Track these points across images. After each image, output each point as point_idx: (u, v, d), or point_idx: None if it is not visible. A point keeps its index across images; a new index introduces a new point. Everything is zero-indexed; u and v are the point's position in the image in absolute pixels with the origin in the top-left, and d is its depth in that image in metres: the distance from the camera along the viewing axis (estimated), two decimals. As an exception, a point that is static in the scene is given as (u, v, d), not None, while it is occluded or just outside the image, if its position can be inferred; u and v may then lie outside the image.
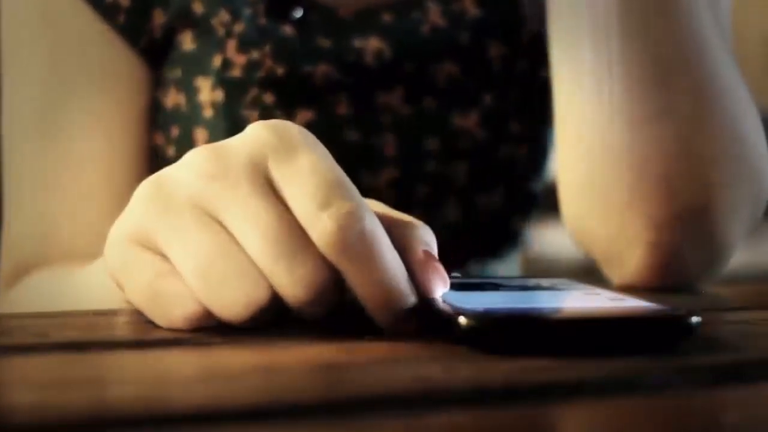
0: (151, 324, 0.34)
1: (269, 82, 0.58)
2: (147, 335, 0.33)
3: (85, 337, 0.33)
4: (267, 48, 0.58)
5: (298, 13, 0.58)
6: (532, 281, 0.41)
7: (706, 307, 0.45)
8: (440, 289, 0.33)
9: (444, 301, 0.32)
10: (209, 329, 0.33)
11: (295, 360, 0.29)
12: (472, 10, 0.61)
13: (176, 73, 0.60)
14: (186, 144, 0.60)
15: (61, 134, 0.59)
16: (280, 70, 0.58)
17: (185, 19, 0.59)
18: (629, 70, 0.51)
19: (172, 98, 0.60)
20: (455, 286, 0.35)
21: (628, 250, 0.52)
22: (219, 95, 0.58)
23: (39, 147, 0.60)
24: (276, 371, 0.27)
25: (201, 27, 0.59)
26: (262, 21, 0.58)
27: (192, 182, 0.33)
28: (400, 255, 0.32)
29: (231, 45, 0.58)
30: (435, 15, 0.61)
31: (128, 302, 0.35)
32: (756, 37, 2.05)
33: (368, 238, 0.31)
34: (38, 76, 0.60)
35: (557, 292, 0.37)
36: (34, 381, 0.26)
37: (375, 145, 0.60)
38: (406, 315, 0.32)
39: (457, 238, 0.63)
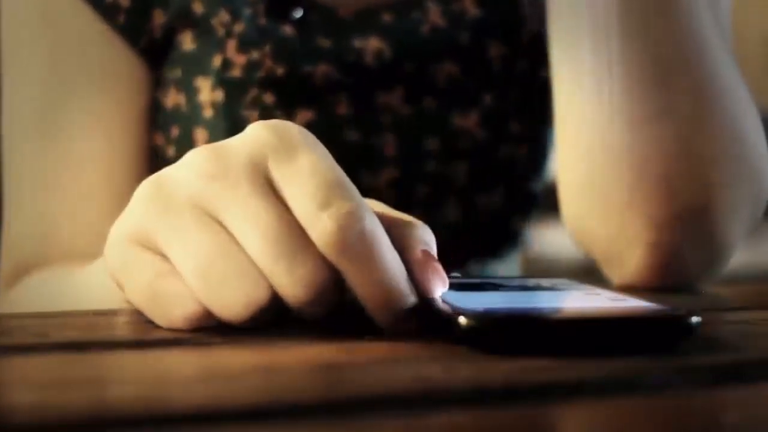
0: (151, 324, 0.34)
1: (269, 82, 0.58)
2: (147, 335, 0.33)
3: (85, 337, 0.33)
4: (267, 48, 0.58)
5: (298, 13, 0.58)
6: (532, 281, 0.41)
7: (706, 307, 0.45)
8: (439, 288, 0.33)
9: (444, 301, 0.32)
10: (209, 329, 0.33)
11: (295, 360, 0.29)
12: (472, 10, 0.61)
13: (176, 73, 0.60)
14: (186, 144, 0.60)
15: (61, 134, 0.59)
16: (280, 70, 0.58)
17: (185, 19, 0.59)
18: (629, 70, 0.51)
19: (172, 98, 0.60)
20: (455, 286, 0.35)
21: (628, 250, 0.52)
22: (219, 95, 0.58)
23: (39, 147, 0.60)
24: (276, 371, 0.27)
25: (201, 27, 0.59)
26: (262, 21, 0.58)
27: (192, 182, 0.33)
28: (400, 255, 0.32)
29: (231, 45, 0.58)
30: (435, 15, 0.61)
31: (128, 302, 0.35)
32: (756, 37, 2.05)
33: (368, 238, 0.31)
34: (38, 76, 0.60)
35: (557, 292, 0.37)
36: (34, 381, 0.26)
37: (375, 145, 0.60)
38: (406, 315, 0.32)
39: (457, 238, 0.63)
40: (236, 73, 0.58)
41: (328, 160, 0.33)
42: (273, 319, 0.33)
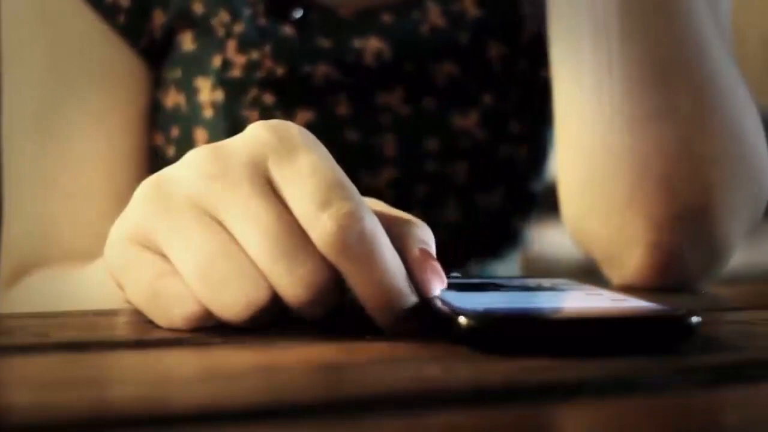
0: (151, 324, 0.34)
1: (269, 83, 0.58)
2: (147, 335, 0.33)
3: (85, 337, 0.33)
4: (267, 48, 0.58)
5: (298, 14, 0.58)
6: (533, 281, 0.41)
7: (706, 307, 0.45)
8: (438, 287, 0.33)
9: (444, 301, 0.32)
10: (209, 329, 0.33)
11: (295, 360, 0.29)
12: (472, 11, 0.61)
13: (176, 73, 0.60)
14: (186, 144, 0.60)
15: (61, 134, 0.59)
16: (280, 71, 0.58)
17: (185, 19, 0.59)
18: (629, 70, 0.51)
19: (172, 98, 0.60)
20: (455, 286, 0.35)
21: (628, 250, 0.52)
22: (219, 95, 0.58)
23: (39, 147, 0.60)
24: (276, 371, 0.27)
25: (201, 27, 0.59)
26: (262, 21, 0.58)
27: (192, 182, 0.33)
28: (399, 254, 0.32)
29: (231, 45, 0.58)
30: (435, 15, 0.61)
31: (128, 302, 0.35)
32: (756, 37, 2.05)
33: (368, 238, 0.31)
34: (38, 76, 0.60)
35: (557, 293, 0.37)
36: (34, 381, 0.26)
37: (375, 145, 0.60)
38: (406, 315, 0.32)
39: (457, 238, 0.63)
40: (236, 73, 0.58)
41: (328, 160, 0.33)
42: (273, 319, 0.33)
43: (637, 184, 0.51)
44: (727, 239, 0.53)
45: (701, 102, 0.51)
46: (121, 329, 0.36)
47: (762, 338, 0.36)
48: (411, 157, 0.61)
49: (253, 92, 0.58)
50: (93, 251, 0.45)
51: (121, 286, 0.35)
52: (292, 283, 0.31)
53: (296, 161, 0.32)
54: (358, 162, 0.60)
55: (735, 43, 0.58)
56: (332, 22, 0.59)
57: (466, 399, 0.24)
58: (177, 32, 0.60)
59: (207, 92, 0.59)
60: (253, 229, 0.31)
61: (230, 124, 0.58)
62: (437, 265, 0.33)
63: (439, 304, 0.32)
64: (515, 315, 0.30)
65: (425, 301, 0.32)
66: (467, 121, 0.62)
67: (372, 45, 0.59)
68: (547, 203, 0.64)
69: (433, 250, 0.34)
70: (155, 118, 0.62)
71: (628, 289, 0.49)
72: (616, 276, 0.54)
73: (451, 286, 0.34)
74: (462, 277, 0.41)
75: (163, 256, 0.33)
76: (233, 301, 0.31)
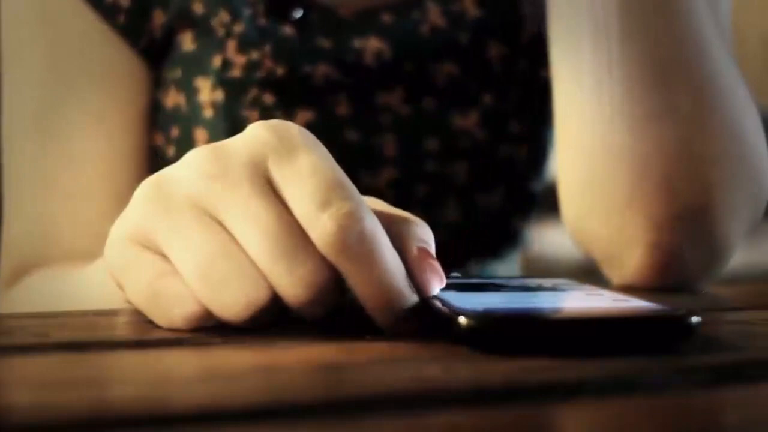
0: (151, 324, 0.34)
1: (269, 83, 0.58)
2: (147, 335, 0.33)
3: (85, 337, 0.33)
4: (267, 48, 0.58)
5: (298, 14, 0.58)
6: (533, 281, 0.41)
7: (706, 307, 0.45)
8: (436, 286, 0.33)
9: (444, 301, 0.32)
10: (209, 329, 0.33)
11: (295, 360, 0.29)
12: (472, 11, 0.61)
13: (176, 73, 0.60)
14: (186, 144, 0.60)
15: (61, 134, 0.59)
16: (280, 71, 0.58)
17: (185, 19, 0.59)
18: (629, 70, 0.51)
19: (172, 98, 0.60)
20: (455, 286, 0.35)
21: (628, 250, 0.52)
22: (219, 95, 0.58)
23: (39, 147, 0.60)
24: (276, 371, 0.27)
25: (201, 27, 0.59)
26: (262, 21, 0.58)
27: (192, 182, 0.33)
28: (398, 253, 0.32)
29: (231, 45, 0.58)
30: (435, 15, 0.61)
31: (128, 302, 0.35)
32: (756, 37, 2.05)
33: (368, 238, 0.31)
34: (38, 76, 0.60)
35: (557, 293, 0.37)
36: (34, 381, 0.26)
37: (375, 145, 0.60)
38: (406, 315, 0.32)
39: (457, 238, 0.63)
40: (236, 73, 0.58)
41: (328, 160, 0.33)
42: (273, 319, 0.33)
43: (637, 184, 0.51)
44: (727, 239, 0.53)
45: (701, 102, 0.51)
46: (121, 329, 0.36)
47: (762, 338, 0.36)
48: (411, 157, 0.61)
49: (253, 92, 0.58)
50: (93, 251, 0.45)
51: (121, 286, 0.35)
52: (292, 283, 0.31)
53: (296, 161, 0.32)
54: (358, 162, 0.60)
55: (735, 43, 0.58)
56: (332, 22, 0.59)
57: (466, 399, 0.24)
58: (177, 32, 0.60)
59: (207, 92, 0.59)
60: (253, 229, 0.31)
61: (230, 124, 0.58)
62: (436, 265, 0.33)
63: (439, 304, 0.32)
64: (515, 315, 0.30)
65: (425, 301, 0.32)
66: (467, 121, 0.62)
67: (372, 45, 0.59)
68: (547, 203, 0.64)
69: (432, 249, 0.34)
70: (155, 118, 0.62)
71: (628, 289, 0.49)
72: (616, 276, 0.54)
73: (451, 286, 0.34)
74: (462, 277, 0.41)
75: (163, 256, 0.33)
76: (233, 301, 0.31)
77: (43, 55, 0.60)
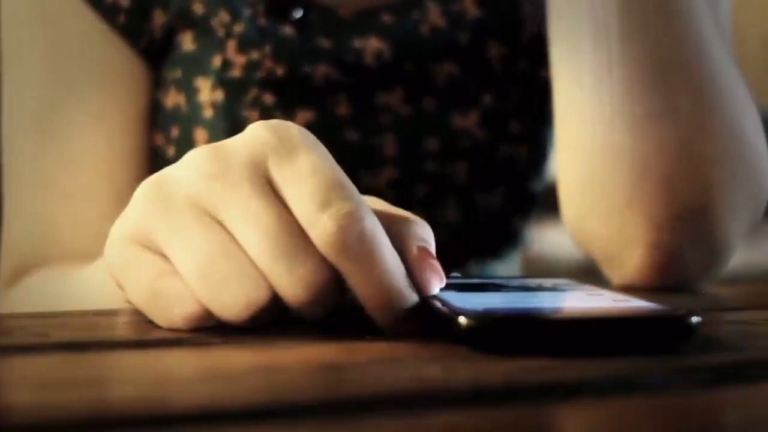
0: (151, 324, 0.34)
1: (269, 83, 0.58)
2: (147, 335, 0.33)
3: (85, 337, 0.33)
4: (267, 48, 0.58)
5: (298, 14, 0.58)
6: (534, 281, 0.41)
7: (706, 307, 0.45)
8: (436, 285, 0.33)
9: (444, 301, 0.32)
10: (209, 329, 0.33)
11: (295, 360, 0.29)
12: (472, 11, 0.61)
13: (176, 73, 0.60)
14: (186, 144, 0.60)
15: (61, 134, 0.59)
16: (279, 71, 0.58)
17: (185, 19, 0.59)
18: (629, 70, 0.51)
19: (172, 98, 0.60)
20: (455, 286, 0.35)
21: (628, 250, 0.52)
22: (219, 95, 0.58)
23: (39, 147, 0.60)
24: (276, 371, 0.27)
25: (201, 27, 0.59)
26: (262, 21, 0.58)
27: (192, 182, 0.33)
28: (398, 252, 0.32)
29: (231, 45, 0.58)
30: (435, 15, 0.61)
31: (128, 302, 0.35)
32: (756, 37, 2.05)
33: (368, 238, 0.31)
34: (38, 76, 0.60)
35: (557, 293, 0.37)
36: (34, 381, 0.26)
37: (375, 145, 0.60)
38: (406, 315, 0.32)
39: (457, 238, 0.63)
40: (236, 73, 0.58)
41: (328, 160, 0.33)
42: (273, 319, 0.33)
43: (637, 184, 0.51)
44: (727, 239, 0.53)
45: (701, 102, 0.51)
46: (121, 329, 0.36)
47: (762, 338, 0.36)
48: (411, 157, 0.61)
49: (253, 92, 0.58)
50: (93, 251, 0.45)
51: (121, 286, 0.35)
52: (292, 283, 0.31)
53: (296, 161, 0.32)
54: (358, 162, 0.60)
55: (735, 43, 0.58)
56: (332, 22, 0.59)
57: (466, 399, 0.24)
58: (177, 32, 0.60)
59: (207, 92, 0.59)
60: (253, 229, 0.31)
61: (230, 124, 0.58)
62: (436, 264, 0.33)
63: (439, 304, 0.32)
64: (515, 315, 0.30)
65: (425, 301, 0.32)
66: (467, 121, 0.62)
67: (372, 45, 0.59)
68: (547, 203, 0.64)
69: (432, 248, 0.34)
70: (155, 118, 0.62)
71: (628, 289, 0.49)
72: (616, 276, 0.54)
73: (451, 286, 0.34)
74: (462, 277, 0.41)
75: (163, 256, 0.33)
76: (233, 301, 0.31)
77: (43, 55, 0.60)
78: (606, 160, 0.51)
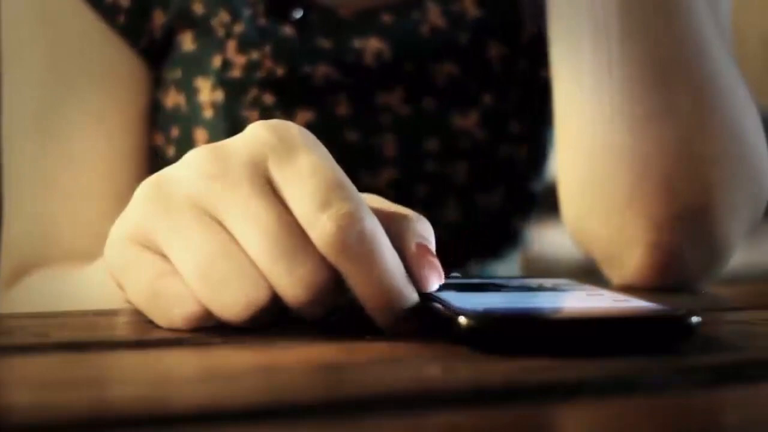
0: (151, 324, 0.34)
1: (269, 83, 0.58)
2: (147, 335, 0.33)
3: (85, 337, 0.33)
4: (267, 48, 0.58)
5: (298, 14, 0.58)
6: (534, 282, 0.41)
7: (706, 307, 0.45)
8: (435, 282, 0.33)
9: (444, 301, 0.32)
10: (209, 329, 0.33)
11: (295, 360, 0.29)
12: (472, 11, 0.61)
13: (176, 73, 0.60)
14: (186, 144, 0.60)
15: (61, 134, 0.59)
16: (279, 71, 0.58)
17: (185, 19, 0.59)
18: (629, 70, 0.51)
19: (172, 98, 0.60)
20: (455, 286, 0.35)
21: (628, 250, 0.52)
22: (219, 96, 0.58)
23: (39, 147, 0.60)
24: (276, 371, 0.27)
25: (201, 27, 0.59)
26: (262, 21, 0.58)
27: (192, 182, 0.33)
28: (398, 250, 0.32)
29: (231, 45, 0.58)
30: (435, 15, 0.61)
31: (128, 302, 0.35)
32: (756, 37, 2.05)
33: (368, 238, 0.31)
34: (38, 76, 0.60)
35: (557, 293, 0.37)
36: (34, 381, 0.26)
37: (375, 145, 0.60)
38: (406, 315, 0.32)
39: (457, 238, 0.63)
40: (236, 73, 0.58)
41: (328, 160, 0.33)
42: (273, 319, 0.33)
43: (637, 184, 0.51)
44: (727, 239, 0.53)
45: (701, 102, 0.51)
46: (121, 329, 0.36)
47: (762, 338, 0.36)
48: (411, 157, 0.61)
49: (253, 92, 0.58)
50: (93, 251, 0.45)
51: (121, 286, 0.35)
52: (292, 284, 0.31)
53: (296, 161, 0.32)
54: (358, 162, 0.60)
55: (735, 43, 0.58)
56: (332, 23, 0.59)
57: (466, 399, 0.24)
58: (177, 32, 0.60)
59: (207, 92, 0.59)
60: (253, 229, 0.31)
61: (230, 124, 0.58)
62: (435, 260, 0.33)
63: (439, 304, 0.32)
64: (515, 315, 0.30)
65: (425, 301, 0.32)
66: (467, 121, 0.62)
67: (372, 45, 0.59)
68: (547, 203, 0.64)
69: (432, 244, 0.34)
70: (155, 118, 0.62)
71: (628, 289, 0.49)
72: (616, 276, 0.54)
73: (451, 286, 0.34)
74: (462, 277, 0.41)
75: (163, 256, 0.33)
76: (233, 301, 0.31)
77: (43, 55, 0.60)
78: (606, 160, 0.51)
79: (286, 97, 0.58)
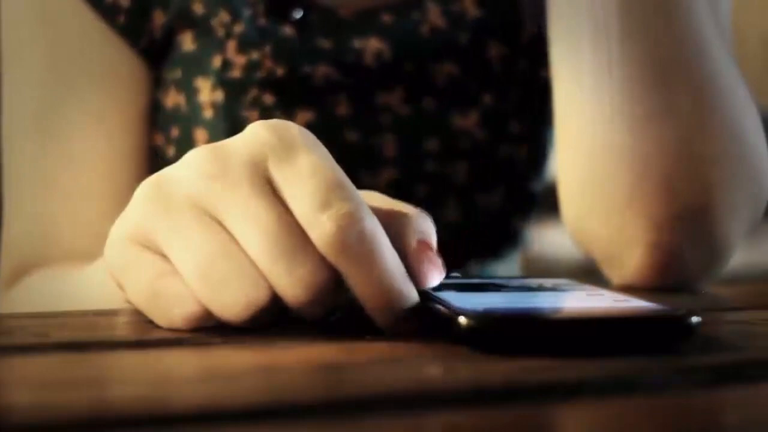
0: (151, 324, 0.34)
1: (269, 83, 0.58)
2: (147, 335, 0.33)
3: (85, 337, 0.33)
4: (267, 48, 0.58)
5: (298, 14, 0.58)
6: (534, 282, 0.41)
7: (706, 307, 0.45)
8: (435, 278, 0.33)
9: (444, 301, 0.32)
10: (209, 329, 0.33)
11: (295, 360, 0.29)
12: (472, 11, 0.61)
13: (176, 73, 0.60)
14: (186, 144, 0.60)
15: (61, 134, 0.59)
16: (279, 71, 0.58)
17: (185, 19, 0.59)
18: (629, 70, 0.51)
19: (172, 98, 0.60)
20: (455, 286, 0.35)
21: (628, 250, 0.52)
22: (219, 96, 0.58)
23: (39, 147, 0.60)
24: (276, 371, 0.27)
25: (201, 27, 0.59)
26: (262, 21, 0.58)
27: (192, 182, 0.33)
28: (398, 248, 0.32)
29: (231, 45, 0.58)
30: (435, 15, 0.61)
31: (128, 302, 0.35)
32: (756, 37, 2.05)
33: (368, 238, 0.31)
34: (38, 76, 0.60)
35: (557, 293, 0.37)
36: (34, 381, 0.26)
37: (375, 145, 0.60)
38: (406, 315, 0.32)
39: (457, 238, 0.63)
40: (236, 73, 0.58)
41: (328, 160, 0.33)
42: (273, 319, 0.33)
43: (637, 184, 0.51)
44: (727, 239, 0.53)
45: (701, 102, 0.51)
46: (121, 329, 0.36)
47: (762, 338, 0.36)
48: (411, 157, 0.61)
49: (253, 92, 0.58)
50: (93, 251, 0.45)
51: (121, 286, 0.35)
52: (292, 284, 0.31)
53: (296, 161, 0.32)
54: (358, 162, 0.60)
55: (735, 43, 0.58)
56: (332, 23, 0.59)
57: (466, 399, 0.24)
58: (177, 32, 0.60)
59: (207, 92, 0.59)
60: (253, 229, 0.31)
61: (230, 124, 0.58)
62: (434, 256, 0.33)
63: (438, 304, 0.32)
64: (515, 315, 0.30)
65: (425, 301, 0.32)
66: (467, 121, 0.62)
67: (372, 45, 0.59)
68: (547, 203, 0.64)
69: (433, 240, 0.34)
70: (155, 118, 0.62)
71: (628, 289, 0.49)
72: (616, 276, 0.54)
73: (451, 286, 0.34)
74: (462, 277, 0.41)
75: (163, 256, 0.33)
76: (233, 301, 0.31)
77: (43, 55, 0.60)
78: (606, 160, 0.51)
79: (286, 97, 0.58)
